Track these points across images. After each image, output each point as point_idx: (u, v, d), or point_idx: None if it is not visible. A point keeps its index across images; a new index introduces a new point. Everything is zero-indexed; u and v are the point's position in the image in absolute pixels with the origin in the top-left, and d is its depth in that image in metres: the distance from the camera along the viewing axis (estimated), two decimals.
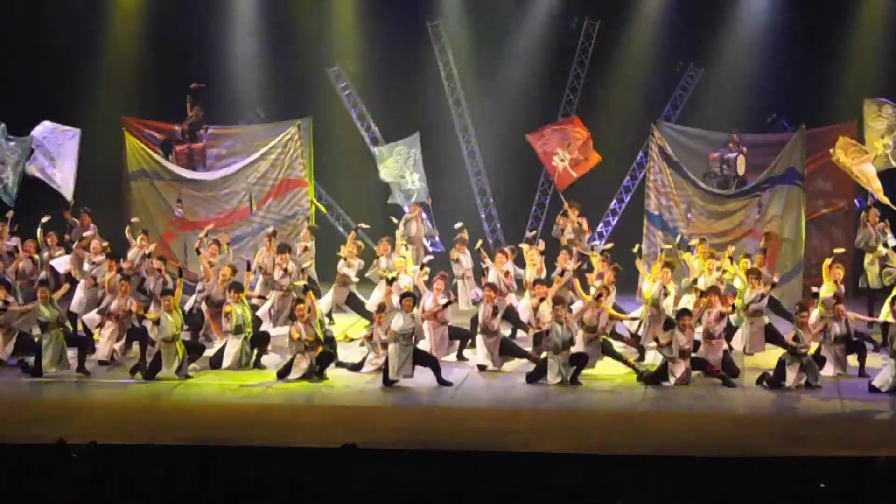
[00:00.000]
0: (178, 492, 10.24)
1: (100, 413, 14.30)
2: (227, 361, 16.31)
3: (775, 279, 17.09)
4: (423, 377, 15.82)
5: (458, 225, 19.73)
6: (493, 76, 23.39)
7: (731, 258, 17.78)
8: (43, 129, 20.39)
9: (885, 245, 18.56)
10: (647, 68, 22.80)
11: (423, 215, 21.15)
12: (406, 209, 21.19)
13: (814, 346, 15.75)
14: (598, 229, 22.82)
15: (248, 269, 17.81)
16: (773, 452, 12.41)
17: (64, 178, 20.21)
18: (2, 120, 20.67)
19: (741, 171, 20.69)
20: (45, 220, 19.06)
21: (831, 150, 19.34)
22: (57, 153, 20.33)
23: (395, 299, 16.54)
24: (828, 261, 17.19)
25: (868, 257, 18.67)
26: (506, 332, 17.15)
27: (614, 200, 23.39)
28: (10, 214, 19.44)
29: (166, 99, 22.80)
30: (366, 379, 15.85)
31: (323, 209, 22.54)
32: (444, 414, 14.39)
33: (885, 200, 19.03)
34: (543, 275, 17.74)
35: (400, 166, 21.34)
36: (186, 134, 21.80)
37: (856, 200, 21.34)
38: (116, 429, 13.37)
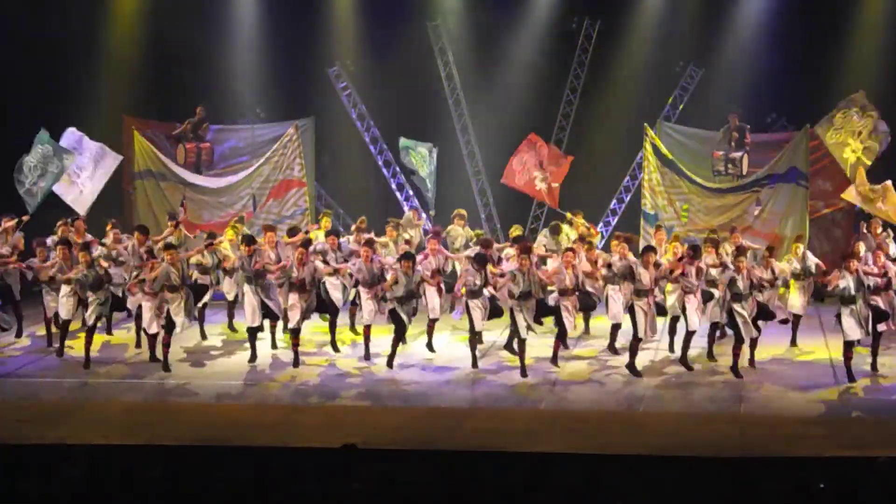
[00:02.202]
0: (179, 492, 10.23)
1: (100, 413, 14.29)
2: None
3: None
4: (424, 376, 15.86)
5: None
6: (492, 76, 23.41)
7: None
8: (82, 139, 20.18)
9: (887, 256, 18.44)
10: (647, 68, 22.83)
11: (422, 216, 21.13)
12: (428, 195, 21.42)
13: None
14: (598, 229, 22.81)
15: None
16: (773, 452, 12.41)
17: (91, 192, 20.09)
18: (2, 120, 20.65)
19: (745, 170, 20.71)
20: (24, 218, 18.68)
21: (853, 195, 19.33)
22: (96, 167, 20.16)
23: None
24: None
25: None
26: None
27: (614, 200, 23.41)
28: (25, 218, 18.78)
29: (166, 99, 22.82)
30: (366, 379, 15.86)
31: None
32: (444, 414, 14.38)
33: None
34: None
35: (425, 165, 21.43)
36: (189, 133, 21.84)
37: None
38: (116, 429, 13.37)
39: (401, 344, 16.56)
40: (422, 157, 21.48)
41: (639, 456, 12.24)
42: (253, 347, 16.65)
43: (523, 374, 15.81)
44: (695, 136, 21.62)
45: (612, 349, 16.86)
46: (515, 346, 16.14)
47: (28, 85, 22.15)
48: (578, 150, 23.32)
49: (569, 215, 20.02)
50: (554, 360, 16.25)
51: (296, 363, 16.25)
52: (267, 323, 17.05)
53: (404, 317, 16.14)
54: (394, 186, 23.92)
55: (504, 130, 23.12)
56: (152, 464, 10.96)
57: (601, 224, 23.02)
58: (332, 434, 12.68)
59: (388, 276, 16.31)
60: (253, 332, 16.65)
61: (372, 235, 18.02)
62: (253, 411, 14.49)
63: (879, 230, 18.50)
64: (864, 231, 18.58)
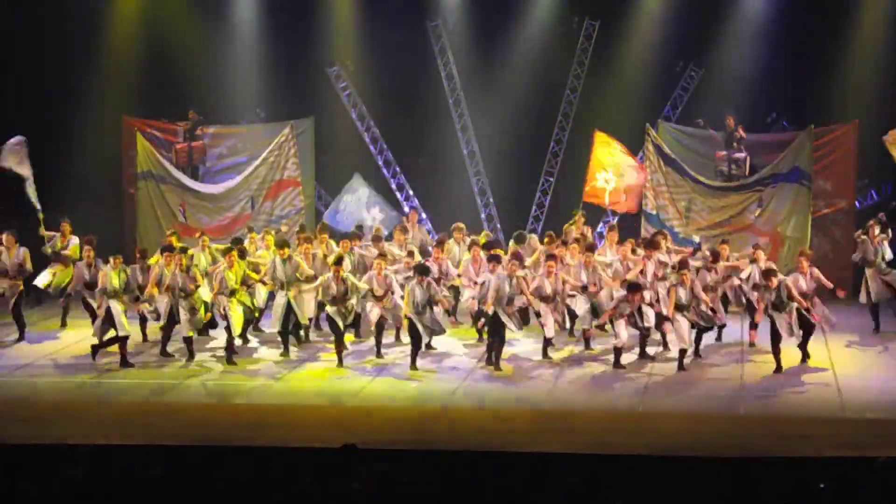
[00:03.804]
0: (178, 492, 10.23)
1: (100, 413, 14.30)
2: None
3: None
4: (424, 376, 15.87)
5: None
6: (492, 76, 23.39)
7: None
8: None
9: (884, 259, 18.40)
10: (647, 68, 22.81)
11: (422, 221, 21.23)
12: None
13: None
14: (598, 229, 22.79)
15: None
16: (773, 452, 12.41)
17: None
18: (2, 120, 20.64)
19: (748, 171, 20.69)
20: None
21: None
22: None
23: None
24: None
25: (868, 272, 18.48)
26: None
27: None
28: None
29: (166, 99, 22.81)
30: (366, 379, 15.87)
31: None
32: (444, 414, 14.39)
33: None
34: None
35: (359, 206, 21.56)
36: (187, 133, 21.83)
37: (856, 201, 21.38)
38: (116, 429, 13.37)
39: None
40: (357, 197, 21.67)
41: (639, 456, 12.23)
42: (285, 345, 16.98)
43: (497, 367, 16.24)
44: (695, 135, 21.61)
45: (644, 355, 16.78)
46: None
47: (28, 85, 22.13)
48: (578, 150, 23.32)
49: (577, 214, 20.07)
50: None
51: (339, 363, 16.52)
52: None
53: (421, 329, 16.22)
54: (394, 186, 23.91)
55: (504, 130, 23.12)
56: (152, 464, 10.95)
57: (601, 223, 23.02)
58: (332, 434, 12.68)
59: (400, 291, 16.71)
60: (284, 333, 17.01)
61: (383, 245, 18.28)
62: (253, 411, 14.49)
63: (877, 232, 18.41)
64: (864, 237, 18.42)
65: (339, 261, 16.77)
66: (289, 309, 16.86)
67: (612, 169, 20.75)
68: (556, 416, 14.27)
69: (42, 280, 18.65)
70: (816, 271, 16.58)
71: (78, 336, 18.21)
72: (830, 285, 16.77)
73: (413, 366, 16.21)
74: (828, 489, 10.06)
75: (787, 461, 12.05)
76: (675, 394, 15.14)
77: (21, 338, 17.97)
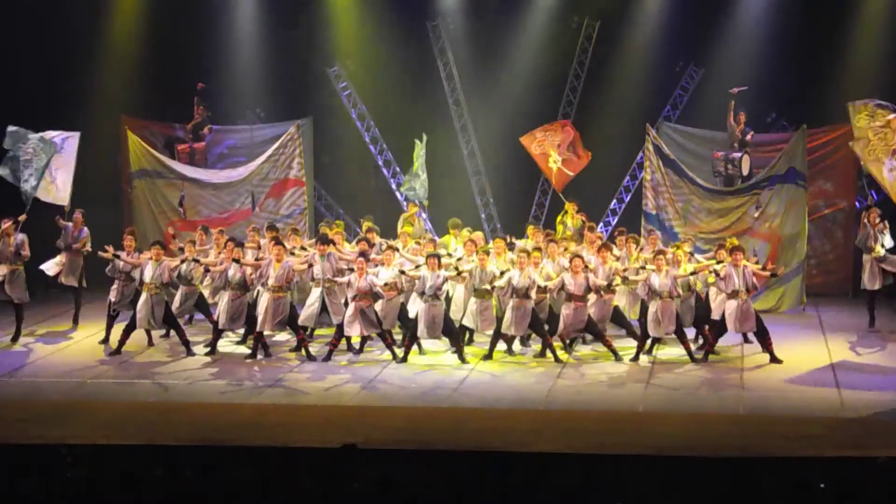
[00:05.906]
0: (178, 492, 10.23)
1: (100, 413, 14.29)
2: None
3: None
4: (424, 376, 15.86)
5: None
6: (493, 76, 23.41)
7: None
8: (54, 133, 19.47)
9: (883, 246, 18.43)
10: (647, 68, 22.82)
11: (422, 215, 21.20)
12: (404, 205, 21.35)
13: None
14: (599, 229, 22.80)
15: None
16: (773, 452, 12.40)
17: (64, 183, 19.30)
18: (2, 120, 20.61)
19: (745, 170, 20.68)
20: (21, 219, 18.23)
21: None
22: (58, 159, 19.71)
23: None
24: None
25: (866, 258, 18.53)
26: None
27: (614, 200, 23.42)
28: (22, 219, 18.27)
29: (166, 99, 22.83)
30: (366, 379, 15.87)
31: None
32: (444, 414, 14.38)
33: None
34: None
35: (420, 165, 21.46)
36: (190, 133, 21.82)
37: (856, 201, 21.37)
38: (116, 429, 13.37)
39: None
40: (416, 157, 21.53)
41: (639, 456, 12.23)
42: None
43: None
44: (695, 136, 21.61)
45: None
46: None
47: (28, 85, 22.14)
48: None
49: (566, 206, 20.14)
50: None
51: (328, 357, 16.77)
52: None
53: (424, 321, 16.49)
54: (394, 186, 23.93)
55: (504, 130, 23.13)
56: (152, 464, 10.96)
57: (601, 224, 23.04)
58: (332, 434, 12.68)
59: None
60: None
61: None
62: (253, 411, 14.48)
63: (877, 220, 18.42)
64: (865, 221, 18.48)
65: (362, 254, 16.90)
66: (322, 308, 16.86)
67: (552, 150, 20.78)
68: (556, 416, 14.27)
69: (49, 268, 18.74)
70: (752, 268, 16.68)
71: (78, 336, 18.22)
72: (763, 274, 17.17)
73: (406, 350, 16.69)
74: (828, 489, 10.06)
75: (787, 461, 12.05)
76: (675, 394, 15.14)
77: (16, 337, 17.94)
